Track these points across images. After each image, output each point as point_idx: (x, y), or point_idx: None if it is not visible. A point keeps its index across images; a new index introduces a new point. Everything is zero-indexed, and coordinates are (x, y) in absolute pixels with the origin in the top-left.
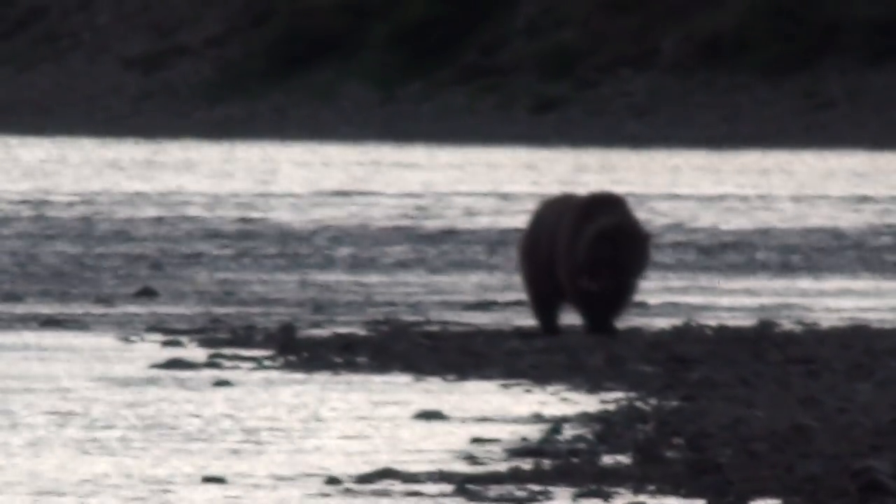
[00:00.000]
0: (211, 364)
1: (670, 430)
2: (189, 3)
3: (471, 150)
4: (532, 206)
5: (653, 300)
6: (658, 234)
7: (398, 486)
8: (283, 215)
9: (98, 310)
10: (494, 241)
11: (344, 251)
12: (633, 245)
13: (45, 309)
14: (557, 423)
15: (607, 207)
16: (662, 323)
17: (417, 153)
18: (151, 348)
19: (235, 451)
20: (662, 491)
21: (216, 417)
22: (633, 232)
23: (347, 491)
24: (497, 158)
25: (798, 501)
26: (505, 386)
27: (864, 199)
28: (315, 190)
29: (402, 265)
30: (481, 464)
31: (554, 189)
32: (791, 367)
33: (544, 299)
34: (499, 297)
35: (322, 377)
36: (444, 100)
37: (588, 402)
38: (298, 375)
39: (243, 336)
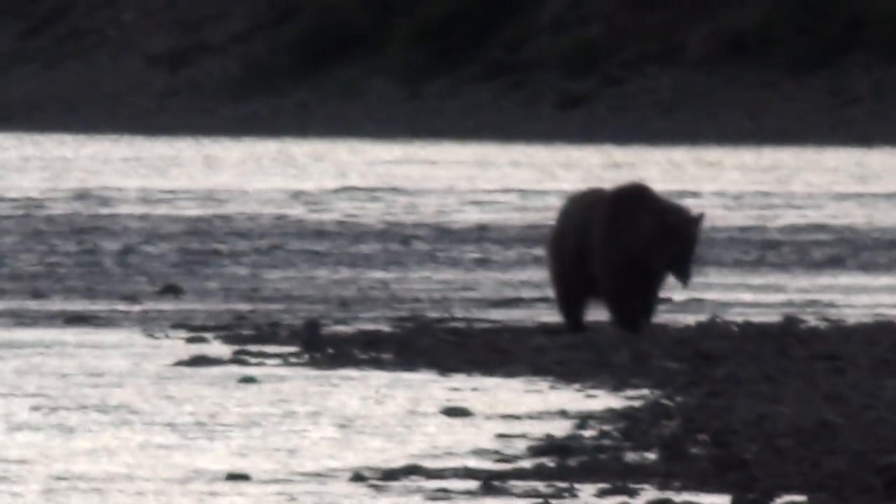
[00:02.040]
0: (236, 360)
1: (695, 427)
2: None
3: (496, 146)
4: (558, 202)
5: (678, 296)
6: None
7: (424, 482)
8: (307, 212)
9: (123, 307)
10: (520, 237)
11: (369, 248)
12: (688, 233)
13: (71, 306)
14: (583, 420)
15: (642, 200)
16: (688, 319)
17: (443, 150)
18: (176, 345)
19: (260, 448)
20: (688, 487)
21: (241, 414)
22: (691, 221)
23: (373, 487)
24: (522, 155)
25: (823, 497)
26: (530, 382)
27: (890, 195)
28: (340, 186)
29: (427, 262)
30: (507, 460)
31: (580, 186)
32: (816, 364)
33: (571, 296)
34: (524, 293)
35: (347, 374)
36: (469, 96)
37: (613, 399)
38: (323, 372)
39: (268, 333)
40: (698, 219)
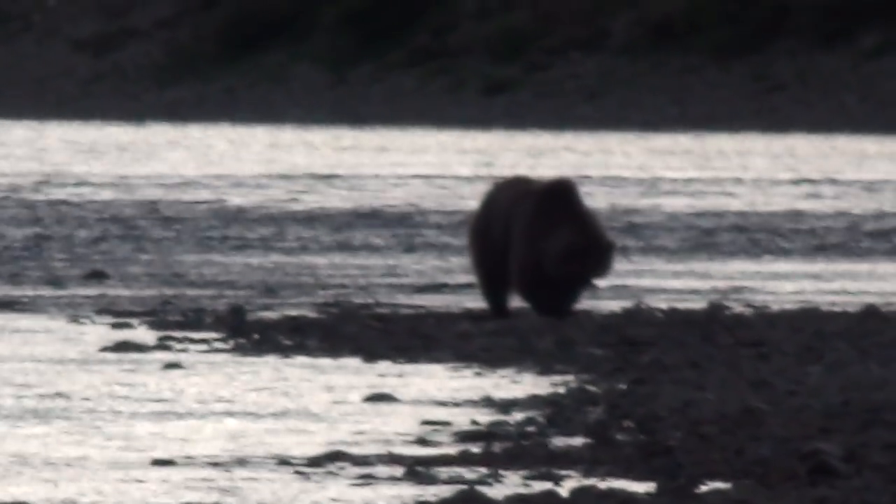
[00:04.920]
0: (161, 346)
1: (621, 413)
2: None
3: (421, 132)
4: (482, 188)
5: (603, 283)
6: (608, 220)
7: (348, 468)
8: (233, 198)
9: (48, 292)
10: (444, 223)
11: (293, 233)
12: (602, 260)
13: None
14: (507, 406)
15: (567, 203)
16: (613, 305)
17: (368, 135)
18: (101, 330)
19: (185, 434)
20: (613, 473)
21: (166, 400)
22: (603, 246)
23: (297, 473)
24: (447, 141)
25: (748, 484)
26: (455, 368)
27: (814, 181)
28: (265, 172)
29: (352, 247)
30: (432, 446)
31: (504, 172)
32: (741, 350)
33: (494, 282)
34: (449, 279)
35: (272, 359)
36: (394, 82)
37: (538, 385)
38: (248, 358)
39: (193, 318)
40: (610, 246)
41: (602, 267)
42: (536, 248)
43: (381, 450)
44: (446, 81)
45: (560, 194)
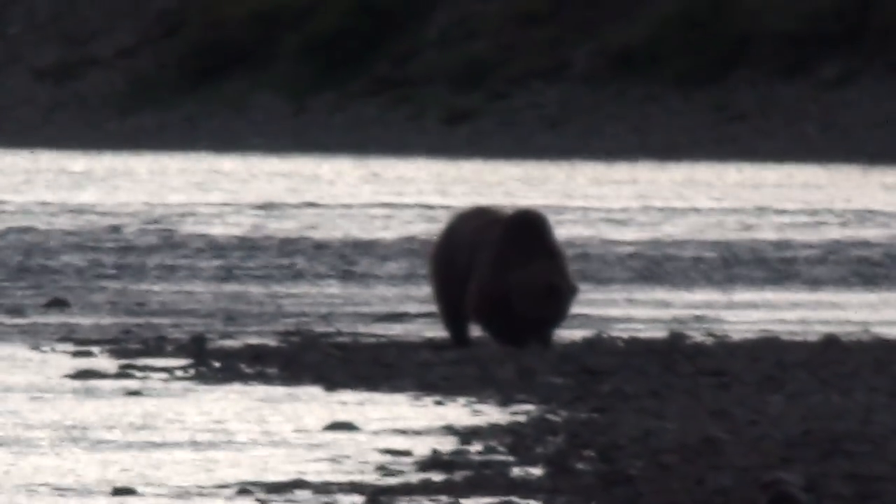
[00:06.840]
0: (122, 374)
1: (581, 442)
2: (101, 13)
3: (382, 161)
4: (444, 217)
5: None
6: (570, 249)
7: (310, 497)
8: (194, 226)
9: (9, 320)
10: (406, 252)
11: (255, 262)
12: (565, 302)
13: None
14: (468, 435)
15: (538, 236)
16: (574, 335)
17: (329, 164)
18: (62, 359)
19: (146, 462)
20: (573, 502)
21: (127, 428)
22: (568, 290)
23: (258, 501)
24: (409, 170)
25: None
26: (416, 397)
27: (775, 211)
28: (227, 201)
29: (314, 276)
30: (393, 475)
31: (465, 201)
32: (702, 380)
33: (456, 311)
34: (410, 308)
35: (233, 388)
36: (355, 111)
37: (499, 414)
38: (209, 386)
39: (155, 346)
40: (574, 290)
41: (564, 311)
42: (503, 277)
43: (341, 478)
44: (408, 110)
45: (530, 226)
